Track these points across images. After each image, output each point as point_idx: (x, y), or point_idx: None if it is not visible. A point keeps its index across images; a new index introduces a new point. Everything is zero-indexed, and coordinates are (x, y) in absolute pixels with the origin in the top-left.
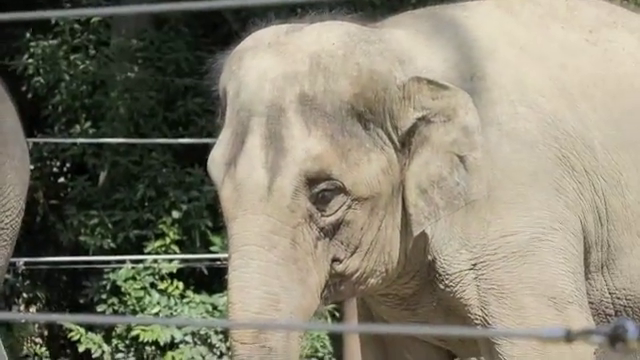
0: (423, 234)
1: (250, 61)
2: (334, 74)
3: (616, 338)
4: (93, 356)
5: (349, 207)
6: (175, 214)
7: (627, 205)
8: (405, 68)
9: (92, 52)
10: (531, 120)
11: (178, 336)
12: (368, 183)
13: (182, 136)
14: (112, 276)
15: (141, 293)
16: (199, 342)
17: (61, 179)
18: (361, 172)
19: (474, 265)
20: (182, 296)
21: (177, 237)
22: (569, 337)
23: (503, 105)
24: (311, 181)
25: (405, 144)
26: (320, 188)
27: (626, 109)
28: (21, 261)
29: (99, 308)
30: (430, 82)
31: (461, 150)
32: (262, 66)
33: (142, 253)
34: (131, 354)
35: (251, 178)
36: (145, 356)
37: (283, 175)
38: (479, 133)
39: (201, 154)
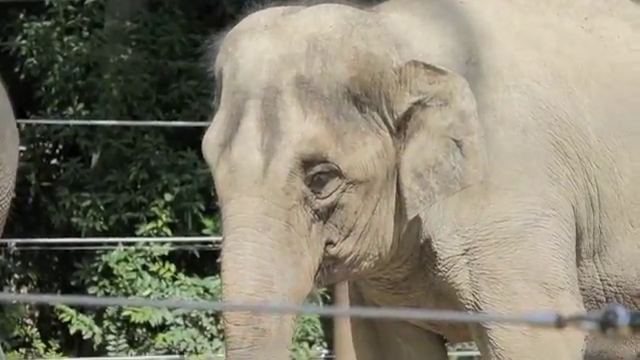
0: (417, 218)
1: (246, 43)
2: (331, 57)
3: (607, 324)
4: (84, 338)
5: (344, 190)
6: (167, 197)
7: (619, 192)
8: (402, 52)
9: (86, 34)
10: (525, 106)
11: (169, 318)
12: (363, 166)
13: (175, 119)
14: (104, 258)
15: (133, 275)
16: (190, 324)
17: (53, 161)
18: (357, 155)
19: (466, 250)
20: (174, 279)
21: (169, 220)
22: (560, 323)
23: (498, 91)
24: (306, 164)
25: (401, 128)
26: (315, 171)
27: (620, 96)
28: (13, 242)
29: (91, 290)
30: (427, 66)
31: (457, 135)
32: (259, 48)
33: (134, 235)
34: (122, 336)
35: (246, 160)
36: (136, 338)
37: (278, 157)
38: (475, 118)
39: (194, 137)
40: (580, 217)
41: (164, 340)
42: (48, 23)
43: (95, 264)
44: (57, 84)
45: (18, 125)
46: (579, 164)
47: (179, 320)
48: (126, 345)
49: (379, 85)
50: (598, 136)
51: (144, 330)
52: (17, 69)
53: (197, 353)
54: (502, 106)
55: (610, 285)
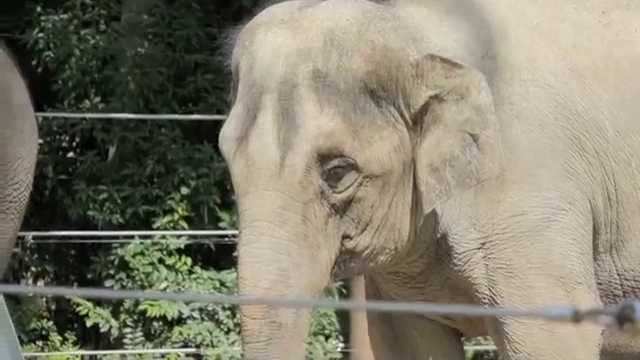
0: (433, 212)
1: (263, 37)
2: (348, 51)
3: (624, 318)
4: (101, 331)
5: (360, 184)
6: (184, 190)
7: (637, 187)
8: (418, 46)
9: (103, 27)
10: (543, 100)
11: (185, 312)
12: (380, 160)
13: (192, 112)
14: (120, 251)
15: (149, 269)
16: (206, 318)
17: (70, 154)
18: (373, 150)
19: (483, 244)
20: (190, 272)
21: (185, 213)
22: (577, 317)
23: (514, 85)
24: (323, 158)
25: (417, 122)
26: (332, 165)
27: (638, 90)
28: (30, 235)
29: (107, 283)
30: (443, 60)
31: (473, 129)
32: (275, 42)
33: (150, 229)
34: (139, 329)
35: (263, 154)
36: (152, 331)
37: (295, 151)
38: (492, 112)
39: (211, 131)
40: (597, 212)
41: (180, 334)
42: (65, 16)
43: (111, 257)
44: (74, 77)
45: (35, 118)
46: (596, 159)
47: (195, 313)
48: (143, 338)
49: (396, 79)
50: (615, 130)
51: (160, 323)
52: (34, 62)
53: (213, 346)
54: (519, 100)
55: (627, 280)
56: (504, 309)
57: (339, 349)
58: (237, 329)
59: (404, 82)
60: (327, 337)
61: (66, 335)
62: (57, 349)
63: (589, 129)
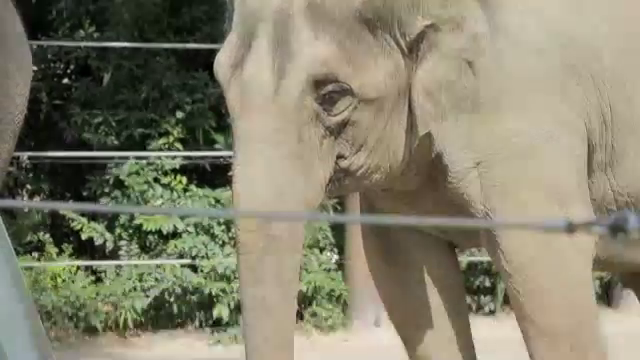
0: (428, 133)
1: None
2: None
3: (617, 229)
4: (96, 243)
5: (355, 108)
6: (179, 114)
7: (633, 110)
8: None
9: None
10: (538, 28)
11: (181, 227)
12: (375, 85)
13: (187, 42)
14: (115, 171)
15: (144, 187)
16: (201, 232)
17: (65, 80)
18: (368, 75)
19: (477, 164)
20: (185, 190)
21: (181, 136)
22: (570, 228)
23: (511, 13)
24: (318, 83)
25: (413, 50)
26: (327, 90)
27: (634, 15)
28: (25, 155)
29: (102, 201)
30: None
31: (469, 56)
32: None
33: (146, 151)
34: (134, 242)
35: (258, 80)
36: (148, 244)
37: (290, 78)
38: (487, 40)
39: (206, 59)
40: (592, 134)
41: (176, 246)
42: None
43: (107, 177)
44: (68, 8)
45: (30, 46)
46: (592, 84)
47: (190, 228)
48: (138, 250)
49: (391, 9)
50: (612, 56)
51: (156, 237)
52: None
53: (208, 258)
54: (515, 28)
55: (621, 195)
56: (499, 221)
57: (333, 260)
58: (232, 242)
59: (400, 12)
60: (322, 250)
61: (62, 247)
62: (53, 260)
63: (585, 56)
